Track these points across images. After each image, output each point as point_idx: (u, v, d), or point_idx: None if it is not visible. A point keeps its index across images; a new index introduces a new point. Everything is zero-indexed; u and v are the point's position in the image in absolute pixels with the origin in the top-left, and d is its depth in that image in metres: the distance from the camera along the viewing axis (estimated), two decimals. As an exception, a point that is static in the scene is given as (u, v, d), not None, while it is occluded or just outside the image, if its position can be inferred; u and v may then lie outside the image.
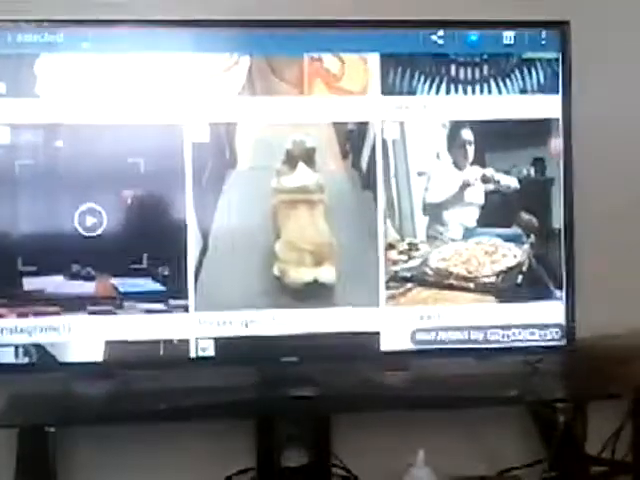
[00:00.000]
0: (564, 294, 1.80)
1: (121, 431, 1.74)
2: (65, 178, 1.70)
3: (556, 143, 1.80)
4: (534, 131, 1.80)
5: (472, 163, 1.79)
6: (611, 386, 1.74)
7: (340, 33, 1.76)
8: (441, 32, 1.77)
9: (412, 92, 1.77)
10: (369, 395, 1.75)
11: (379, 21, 1.77)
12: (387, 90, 1.77)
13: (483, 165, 1.79)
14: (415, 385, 1.78)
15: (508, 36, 1.79)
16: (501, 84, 1.79)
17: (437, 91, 1.78)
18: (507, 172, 1.80)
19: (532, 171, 1.80)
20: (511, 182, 1.80)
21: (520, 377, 1.82)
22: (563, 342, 1.80)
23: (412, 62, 1.76)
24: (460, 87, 1.78)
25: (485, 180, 1.79)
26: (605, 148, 1.89)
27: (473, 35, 1.78)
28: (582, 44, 1.80)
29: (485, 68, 1.79)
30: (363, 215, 1.76)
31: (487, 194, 1.79)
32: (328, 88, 1.76)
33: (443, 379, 1.81)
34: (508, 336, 1.79)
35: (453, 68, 1.78)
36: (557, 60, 1.80)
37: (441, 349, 1.77)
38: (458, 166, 1.79)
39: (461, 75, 1.78)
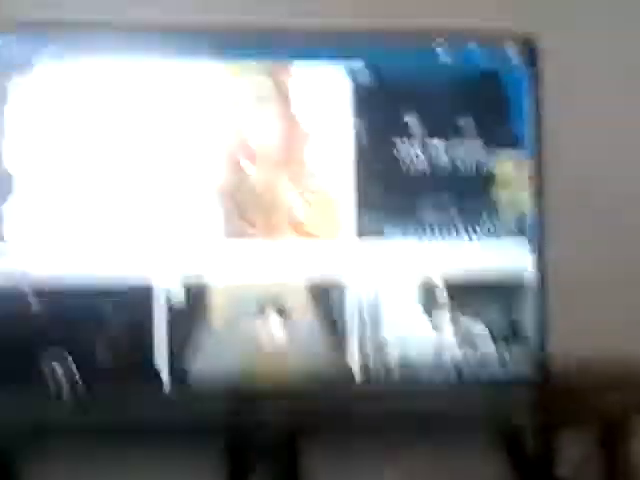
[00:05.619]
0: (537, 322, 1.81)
1: (87, 452, 1.72)
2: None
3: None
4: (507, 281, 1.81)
5: (442, 308, 1.79)
6: (581, 415, 1.75)
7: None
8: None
9: (384, 237, 1.77)
10: (339, 419, 1.74)
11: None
12: (360, 236, 1.76)
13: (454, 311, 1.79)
14: (384, 413, 1.76)
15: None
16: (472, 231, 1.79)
17: (410, 237, 1.77)
18: (477, 319, 1.79)
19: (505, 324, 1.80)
20: (481, 330, 1.79)
21: (491, 403, 1.82)
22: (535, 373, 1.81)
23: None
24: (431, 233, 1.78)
25: (455, 325, 1.79)
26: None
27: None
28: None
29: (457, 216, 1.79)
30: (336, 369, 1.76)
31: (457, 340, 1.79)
32: (300, 235, 1.74)
33: (413, 408, 1.79)
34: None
35: (427, 213, 1.78)
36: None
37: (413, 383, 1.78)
38: (428, 312, 1.78)
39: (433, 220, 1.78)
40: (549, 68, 1.82)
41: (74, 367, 1.67)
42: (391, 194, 1.77)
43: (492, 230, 1.80)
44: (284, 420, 1.72)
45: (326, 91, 1.76)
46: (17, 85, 1.66)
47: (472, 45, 1.80)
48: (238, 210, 1.72)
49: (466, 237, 1.79)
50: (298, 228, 1.74)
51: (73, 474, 1.76)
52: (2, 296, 1.65)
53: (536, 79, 1.81)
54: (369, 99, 1.77)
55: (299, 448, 1.76)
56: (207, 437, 1.71)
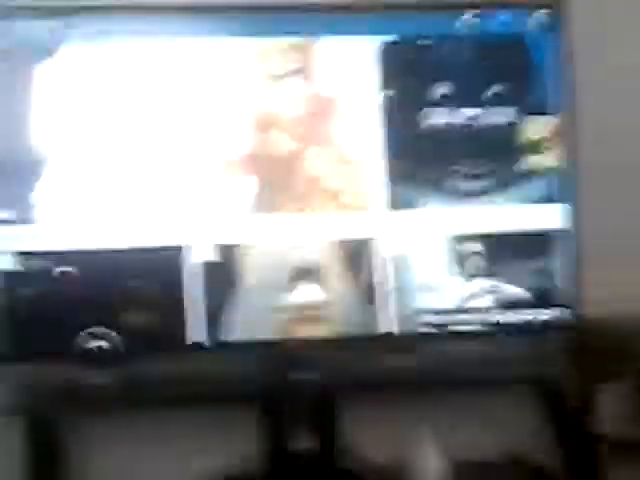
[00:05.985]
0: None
1: (124, 419, 1.76)
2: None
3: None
4: (540, 242, 1.80)
5: (479, 275, 1.78)
6: (618, 364, 1.74)
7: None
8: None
9: (416, 206, 1.77)
10: (374, 373, 1.76)
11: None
12: (391, 205, 1.77)
13: (491, 276, 1.79)
14: (419, 366, 1.78)
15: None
16: (505, 194, 1.79)
17: (442, 204, 1.77)
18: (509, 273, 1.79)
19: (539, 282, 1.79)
20: (518, 293, 1.79)
21: (525, 354, 1.81)
22: (570, 321, 1.80)
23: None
24: (464, 199, 1.78)
25: (492, 292, 1.78)
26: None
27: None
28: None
29: (490, 181, 1.78)
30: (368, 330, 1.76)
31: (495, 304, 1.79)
32: (331, 204, 1.75)
33: (448, 360, 1.80)
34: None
35: (460, 180, 1.78)
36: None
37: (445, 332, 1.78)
38: (460, 267, 1.78)
39: (466, 186, 1.78)
40: (576, 28, 1.81)
41: (111, 334, 1.71)
42: (421, 161, 1.78)
43: (526, 193, 1.79)
44: (319, 378, 1.74)
45: (354, 62, 1.77)
46: (43, 69, 1.71)
47: (499, 10, 1.80)
48: (269, 179, 1.74)
49: (500, 201, 1.79)
50: (329, 196, 1.76)
51: (111, 439, 1.81)
52: (36, 273, 1.70)
53: (566, 41, 1.80)
54: (397, 68, 1.78)
55: (335, 406, 1.78)
56: (242, 397, 1.75)
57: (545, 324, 1.79)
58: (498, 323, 1.79)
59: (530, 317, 1.79)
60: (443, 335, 1.78)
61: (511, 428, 1.88)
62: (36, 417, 1.68)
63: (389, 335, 1.76)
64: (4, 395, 1.68)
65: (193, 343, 1.72)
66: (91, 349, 1.70)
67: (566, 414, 1.78)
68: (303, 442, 1.74)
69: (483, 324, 1.78)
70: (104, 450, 1.81)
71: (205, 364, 1.74)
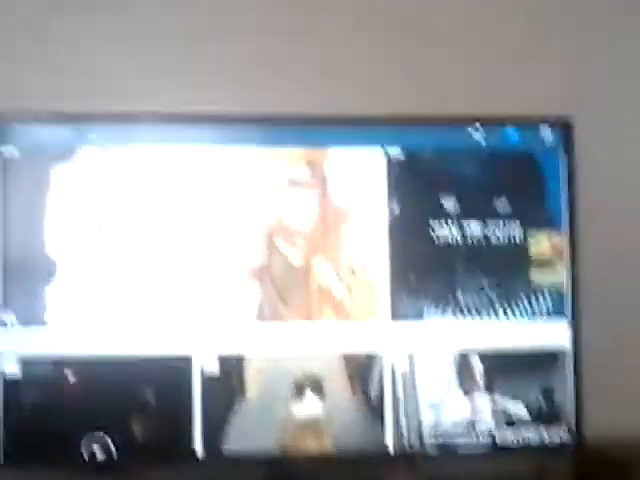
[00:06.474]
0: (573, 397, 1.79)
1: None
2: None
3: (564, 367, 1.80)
4: (544, 359, 1.80)
5: (477, 380, 1.79)
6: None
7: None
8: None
9: (421, 319, 1.78)
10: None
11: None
12: (397, 318, 1.77)
13: (492, 393, 1.79)
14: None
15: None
16: (509, 310, 1.79)
17: (445, 317, 1.78)
18: (512, 392, 1.79)
19: (541, 400, 1.79)
20: (520, 411, 1.79)
21: (527, 473, 1.81)
22: (571, 442, 1.79)
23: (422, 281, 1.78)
24: (467, 314, 1.79)
25: (490, 396, 1.78)
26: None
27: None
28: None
29: (494, 296, 1.79)
30: (371, 446, 1.75)
31: (497, 422, 1.79)
32: (336, 316, 1.76)
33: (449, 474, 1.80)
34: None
35: (461, 297, 1.78)
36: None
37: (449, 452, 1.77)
38: (463, 385, 1.78)
39: (469, 302, 1.79)
40: (583, 149, 1.83)
41: (111, 445, 1.69)
42: (427, 275, 1.79)
43: (529, 309, 1.80)
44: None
45: (362, 174, 1.78)
46: (59, 173, 1.71)
47: (507, 127, 1.82)
48: (275, 290, 1.73)
49: (503, 316, 1.79)
50: (335, 308, 1.76)
51: None
52: (43, 377, 1.69)
53: (571, 160, 1.82)
54: (405, 181, 1.80)
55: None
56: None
57: (546, 444, 1.79)
58: (499, 444, 1.78)
59: (531, 437, 1.79)
60: (445, 455, 1.77)
61: None
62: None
63: (389, 453, 1.76)
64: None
65: (194, 455, 1.71)
66: (93, 457, 1.68)
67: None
68: None
69: (485, 443, 1.77)
70: None
71: (205, 476, 1.74)
